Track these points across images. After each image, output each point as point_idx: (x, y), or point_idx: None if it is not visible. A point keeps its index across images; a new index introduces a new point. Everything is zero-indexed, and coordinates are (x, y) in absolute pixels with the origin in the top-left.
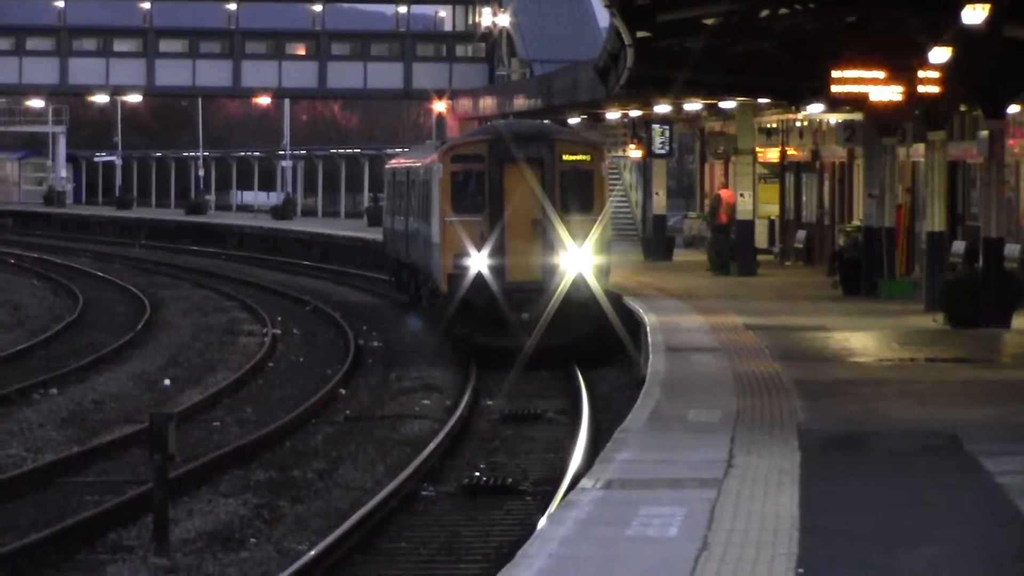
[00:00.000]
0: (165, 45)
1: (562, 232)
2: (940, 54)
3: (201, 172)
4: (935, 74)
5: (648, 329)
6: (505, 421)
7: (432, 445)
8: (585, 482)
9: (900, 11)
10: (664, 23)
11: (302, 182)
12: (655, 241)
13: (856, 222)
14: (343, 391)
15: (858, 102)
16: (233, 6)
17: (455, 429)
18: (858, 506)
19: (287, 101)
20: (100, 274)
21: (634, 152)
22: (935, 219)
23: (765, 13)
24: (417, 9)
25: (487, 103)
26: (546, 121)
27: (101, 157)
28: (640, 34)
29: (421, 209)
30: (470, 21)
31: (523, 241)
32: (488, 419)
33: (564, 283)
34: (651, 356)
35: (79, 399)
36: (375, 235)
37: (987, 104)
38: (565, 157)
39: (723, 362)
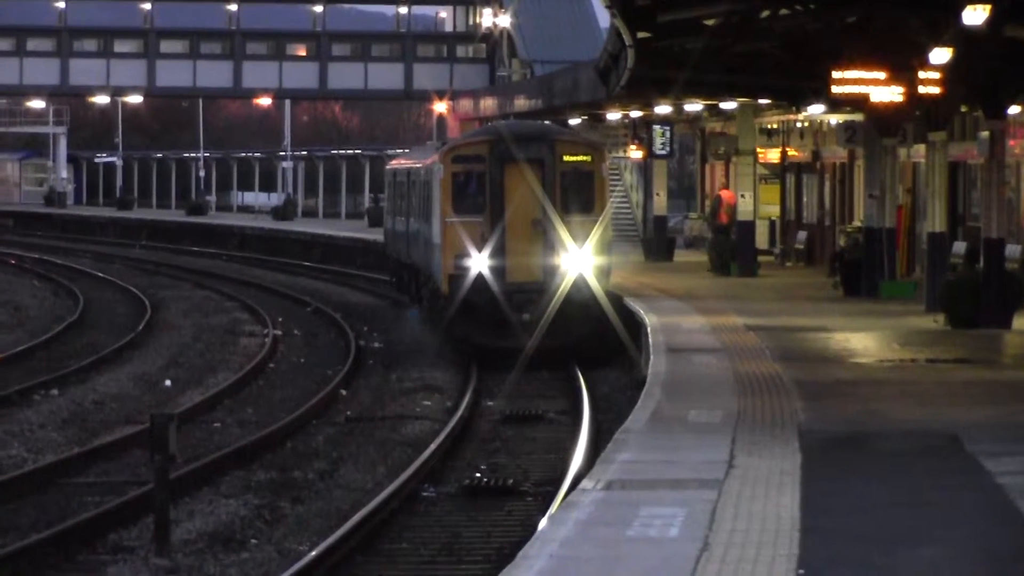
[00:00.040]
0: (166, 46)
1: (563, 233)
2: (941, 54)
3: (202, 173)
4: (936, 75)
5: (649, 330)
6: (506, 422)
7: (433, 446)
8: (586, 483)
9: (901, 11)
10: (665, 23)
11: (303, 183)
12: (656, 242)
13: (857, 223)
14: (344, 392)
15: (859, 103)
16: (234, 7)
17: (456, 430)
18: (859, 507)
19: (288, 102)
20: (101, 275)
21: (635, 153)
22: (936, 220)
23: (766, 13)
24: (418, 10)
25: (488, 104)
26: (547, 122)
27: (102, 158)
28: (641, 35)
29: (422, 210)
30: (471, 22)
31: (524, 242)
32: (489, 420)
33: (565, 284)
34: (652, 357)
35: (80, 400)
36: (376, 236)
37: (988, 105)
38: (566, 158)
39: (724, 363)
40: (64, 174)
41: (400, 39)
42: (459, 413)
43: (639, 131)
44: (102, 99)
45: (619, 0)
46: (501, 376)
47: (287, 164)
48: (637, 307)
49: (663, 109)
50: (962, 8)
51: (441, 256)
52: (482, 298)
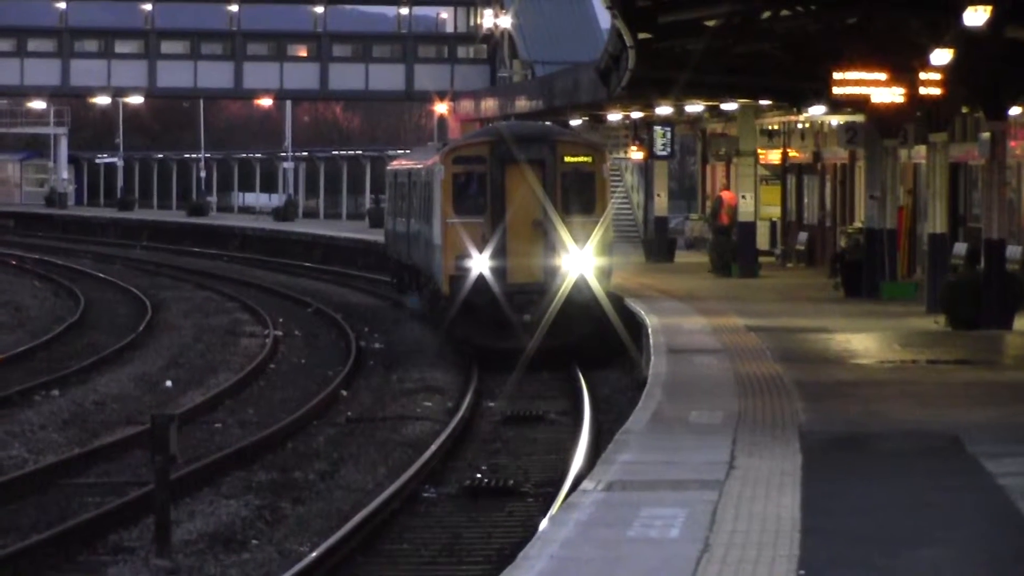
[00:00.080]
0: (166, 46)
1: (564, 234)
2: (942, 55)
3: (203, 174)
4: (937, 76)
5: (649, 330)
6: (507, 422)
7: (434, 446)
8: (587, 484)
9: (901, 12)
10: (665, 24)
11: (304, 184)
12: (657, 243)
13: (858, 224)
14: (344, 392)
15: (859, 104)
16: (235, 8)
17: (457, 430)
18: (859, 507)
19: (289, 103)
20: (101, 275)
21: (635, 154)
22: (936, 221)
23: (766, 14)
24: (419, 11)
25: (489, 104)
26: (547, 123)
27: (103, 158)
28: (641, 35)
29: (423, 211)
30: (472, 23)
31: (525, 242)
32: (490, 420)
33: (566, 285)
34: (653, 357)
35: (80, 400)
36: (376, 237)
37: (989, 106)
38: (567, 158)
39: (725, 364)
40: (65, 175)
41: (401, 40)
42: (460, 414)
43: (640, 132)
44: (103, 100)
45: (620, 1)
46: (502, 377)
47: (288, 165)
48: (638, 308)
49: (664, 110)
50: (963, 9)
51: (442, 257)
52: (483, 299)
